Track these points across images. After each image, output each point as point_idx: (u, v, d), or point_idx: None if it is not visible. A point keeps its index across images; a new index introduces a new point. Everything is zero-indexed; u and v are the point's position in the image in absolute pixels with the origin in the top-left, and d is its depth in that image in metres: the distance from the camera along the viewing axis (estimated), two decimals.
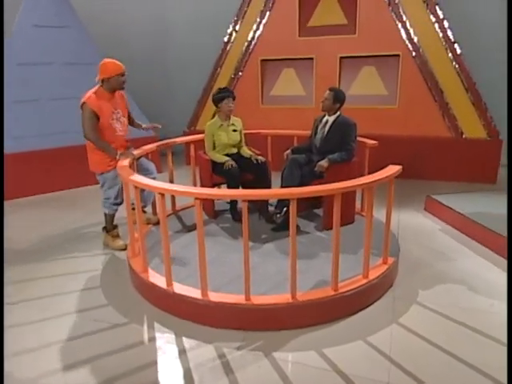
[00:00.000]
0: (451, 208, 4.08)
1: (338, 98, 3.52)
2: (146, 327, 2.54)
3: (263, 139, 4.54)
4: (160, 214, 2.47)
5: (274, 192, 2.69)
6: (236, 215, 3.85)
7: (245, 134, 4.08)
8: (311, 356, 2.23)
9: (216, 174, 3.81)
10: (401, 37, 5.61)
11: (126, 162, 3.03)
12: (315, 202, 3.98)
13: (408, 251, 3.46)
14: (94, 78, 3.29)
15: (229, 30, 6.42)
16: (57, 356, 2.29)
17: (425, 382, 2.03)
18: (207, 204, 3.77)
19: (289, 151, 3.84)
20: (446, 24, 5.37)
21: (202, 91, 6.79)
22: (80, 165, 4.04)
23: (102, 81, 3.27)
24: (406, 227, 4.03)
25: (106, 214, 3.61)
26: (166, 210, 2.54)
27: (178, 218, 3.97)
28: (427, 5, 5.39)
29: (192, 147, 4.25)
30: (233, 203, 3.92)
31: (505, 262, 3.25)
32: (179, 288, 2.61)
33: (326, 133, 3.59)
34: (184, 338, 2.41)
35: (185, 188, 2.47)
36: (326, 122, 3.62)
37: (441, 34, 5.42)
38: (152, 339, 2.42)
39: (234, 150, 3.94)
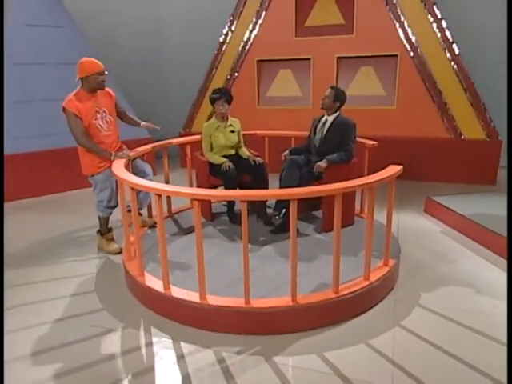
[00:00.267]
0: (452, 209, 4.09)
1: (339, 96, 3.53)
2: (142, 332, 2.51)
3: (260, 140, 4.53)
4: (157, 216, 2.45)
5: (274, 192, 2.67)
6: (233, 217, 3.83)
7: (243, 136, 4.06)
8: (313, 360, 2.22)
9: (213, 175, 3.80)
10: (399, 37, 5.65)
11: (121, 163, 3.01)
12: (314, 203, 3.98)
13: (408, 253, 3.47)
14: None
15: (224, 30, 6.43)
16: (50, 363, 2.26)
17: None
18: (204, 206, 3.75)
19: (287, 152, 3.84)
20: (444, 24, 5.41)
21: (197, 92, 6.78)
22: (73, 167, 4.00)
23: (82, 81, 3.26)
24: (406, 229, 4.04)
25: (99, 217, 3.59)
26: (162, 212, 2.52)
27: (174, 220, 3.95)
28: (425, 4, 5.43)
29: (188, 148, 4.23)
30: (230, 205, 3.91)
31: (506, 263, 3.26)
32: (177, 291, 2.59)
33: (325, 133, 3.59)
34: (182, 343, 2.39)
35: (183, 189, 2.45)
36: (325, 121, 3.62)
37: (439, 34, 5.46)
38: (149, 344, 2.39)
39: (232, 152, 3.93)
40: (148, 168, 3.67)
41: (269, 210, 3.82)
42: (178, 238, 3.50)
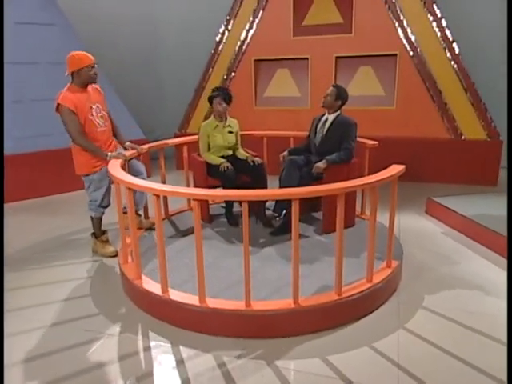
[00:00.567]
0: (453, 210, 4.10)
1: (341, 95, 3.53)
2: (140, 336, 2.49)
3: (258, 141, 4.52)
4: (156, 217, 2.43)
5: (275, 192, 2.66)
6: (231, 219, 3.82)
7: (241, 136, 4.06)
8: (316, 363, 2.21)
9: (211, 176, 3.79)
10: (398, 36, 5.67)
11: (117, 163, 2.99)
12: (314, 205, 3.98)
13: (411, 254, 3.46)
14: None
15: (221, 30, 6.43)
16: (45, 369, 2.23)
17: None
18: (202, 208, 3.71)
19: (286, 153, 3.83)
20: (443, 23, 5.44)
21: (193, 92, 6.77)
22: (65, 169, 3.99)
23: (72, 75, 3.22)
24: (408, 230, 4.04)
25: (92, 218, 3.56)
26: (161, 213, 2.50)
27: (171, 222, 3.93)
28: (425, 3, 5.46)
29: (185, 149, 4.21)
30: (228, 207, 3.89)
31: None
32: (175, 295, 2.56)
33: (325, 132, 3.59)
34: (181, 347, 2.36)
35: (182, 189, 2.44)
36: (326, 120, 3.62)
37: (439, 33, 5.49)
38: (147, 349, 2.37)
39: (230, 152, 3.92)
40: (143, 168, 3.65)
41: (268, 212, 3.81)
42: (176, 241, 3.49)
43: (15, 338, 2.49)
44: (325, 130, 3.60)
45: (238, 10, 6.29)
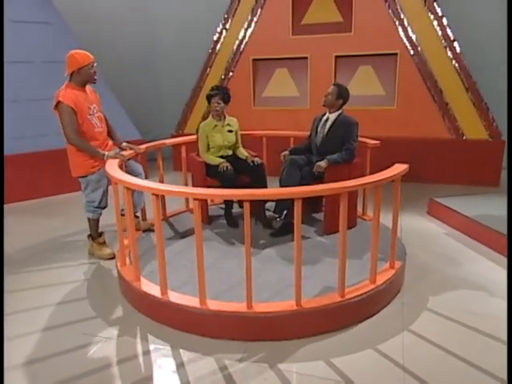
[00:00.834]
0: (456, 211, 4.11)
1: (342, 94, 3.53)
2: (139, 340, 2.47)
3: (258, 141, 4.51)
4: (155, 217, 2.42)
5: (278, 191, 2.65)
6: (231, 220, 3.81)
7: (240, 135, 4.05)
8: (319, 366, 2.19)
9: (210, 176, 3.78)
10: (398, 35, 5.69)
11: (115, 164, 2.97)
12: (314, 205, 3.97)
13: (414, 255, 3.46)
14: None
15: (219, 29, 6.43)
16: (42, 373, 2.20)
17: None
18: (201, 209, 3.70)
19: (286, 152, 3.83)
20: (444, 21, 5.46)
21: (190, 92, 6.77)
22: (61, 170, 3.96)
23: (71, 75, 3.21)
24: (410, 231, 4.04)
25: (89, 220, 3.54)
26: (160, 213, 2.49)
27: (169, 224, 3.91)
28: (425, 1, 5.49)
29: (183, 149, 4.20)
30: (227, 208, 3.88)
31: None
32: (175, 296, 2.55)
33: (326, 131, 3.59)
34: (181, 351, 2.35)
35: (182, 188, 2.43)
36: (327, 120, 3.62)
37: (440, 32, 5.51)
38: (146, 353, 2.35)
39: (229, 152, 3.91)
40: (141, 169, 3.64)
41: (268, 213, 3.80)
42: (174, 242, 3.47)
43: (12, 342, 2.46)
44: (326, 129, 3.60)
45: (236, 9, 6.30)
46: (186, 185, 4.28)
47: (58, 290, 3.06)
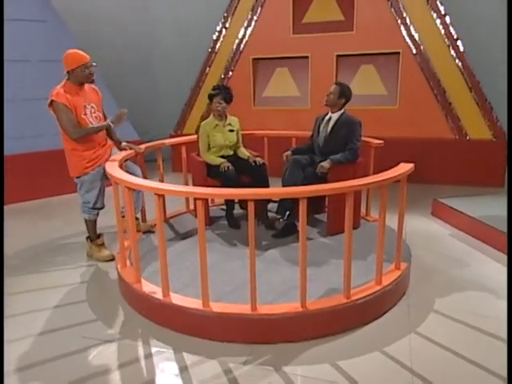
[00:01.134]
0: (461, 212, 4.11)
1: (344, 93, 3.53)
2: (140, 343, 2.45)
3: (259, 141, 4.51)
4: (157, 217, 2.41)
5: (282, 191, 2.65)
6: (232, 221, 3.80)
7: (242, 135, 4.04)
8: (325, 369, 2.18)
9: (211, 177, 3.77)
10: (401, 33, 5.70)
11: (115, 163, 2.95)
12: (317, 206, 3.97)
13: (418, 257, 3.46)
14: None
15: (218, 28, 6.43)
16: (41, 377, 2.19)
17: None
18: None
19: (289, 152, 3.82)
20: (448, 20, 5.48)
21: (189, 92, 6.76)
22: (58, 171, 3.94)
23: (68, 74, 3.23)
24: (414, 232, 4.04)
25: (86, 221, 3.53)
26: (162, 213, 2.48)
27: (170, 225, 3.90)
28: (428, 0, 5.49)
29: (183, 149, 4.20)
30: (229, 209, 3.87)
31: None
32: (177, 298, 2.53)
33: (329, 131, 3.59)
34: (184, 354, 2.33)
35: (185, 188, 2.42)
36: (329, 119, 3.62)
37: (443, 31, 5.53)
38: (148, 356, 2.34)
39: (231, 152, 3.91)
40: (138, 170, 3.62)
41: (270, 214, 3.79)
42: (175, 243, 3.46)
43: (12, 345, 2.45)
44: (328, 129, 3.60)
45: (235, 7, 6.30)
46: (187, 184, 4.27)
47: (57, 293, 3.05)
